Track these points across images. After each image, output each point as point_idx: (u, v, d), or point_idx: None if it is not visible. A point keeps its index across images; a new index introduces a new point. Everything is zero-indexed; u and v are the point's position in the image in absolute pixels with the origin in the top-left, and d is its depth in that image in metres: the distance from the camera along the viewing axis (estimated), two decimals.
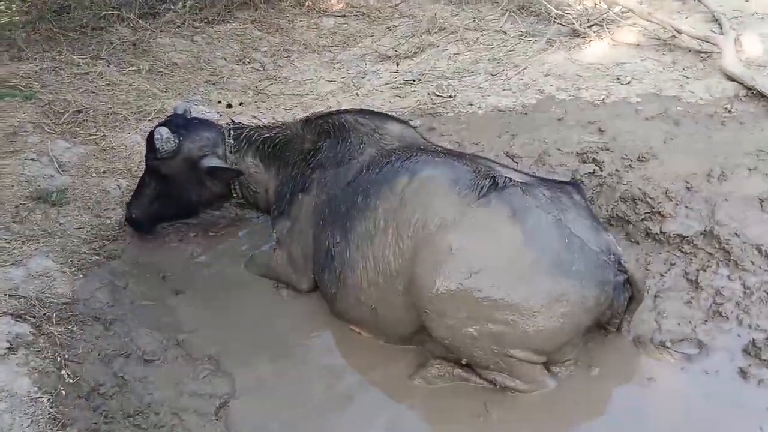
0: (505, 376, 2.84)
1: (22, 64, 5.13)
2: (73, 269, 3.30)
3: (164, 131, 3.40)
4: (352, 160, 3.34)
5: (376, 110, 3.83)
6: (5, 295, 2.88)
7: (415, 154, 3.19)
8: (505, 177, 2.95)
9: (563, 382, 2.89)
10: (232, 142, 3.57)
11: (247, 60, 5.91)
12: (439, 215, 2.85)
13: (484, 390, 2.88)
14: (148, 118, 4.76)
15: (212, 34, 6.24)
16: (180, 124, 3.55)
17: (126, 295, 3.30)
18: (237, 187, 3.62)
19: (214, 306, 3.37)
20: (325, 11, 6.69)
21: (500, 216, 2.80)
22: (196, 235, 3.92)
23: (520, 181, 2.95)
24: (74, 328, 2.83)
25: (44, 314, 2.83)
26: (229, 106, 5.16)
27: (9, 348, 2.53)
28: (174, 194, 3.61)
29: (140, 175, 3.72)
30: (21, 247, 3.33)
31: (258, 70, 5.79)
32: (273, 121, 3.74)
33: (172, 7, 6.45)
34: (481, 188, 2.89)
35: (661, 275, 3.33)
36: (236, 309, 3.35)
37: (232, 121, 3.83)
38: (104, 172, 4.16)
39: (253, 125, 3.78)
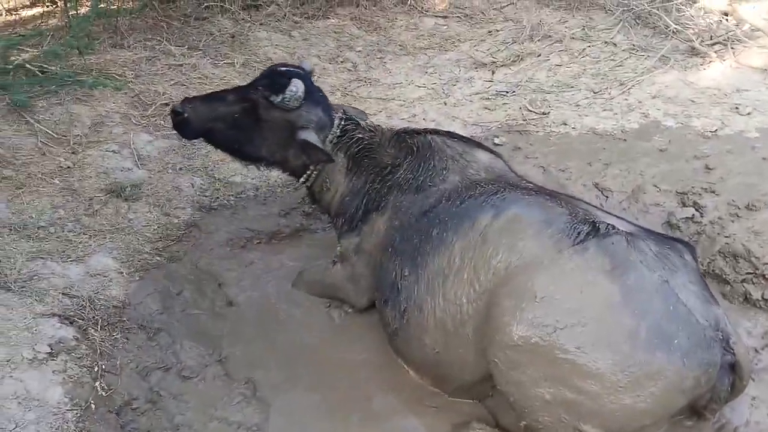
0: None
1: (122, 52, 5.27)
2: (132, 270, 3.32)
3: (300, 86, 3.13)
4: (433, 186, 3.11)
5: (467, 137, 3.56)
6: (60, 293, 2.93)
7: (503, 188, 2.91)
8: (608, 224, 2.62)
9: None
10: (338, 132, 3.35)
11: (341, 59, 5.80)
12: (526, 258, 2.57)
13: None
14: None
15: (310, 30, 6.19)
16: (309, 86, 3.30)
17: (178, 302, 3.28)
18: (315, 174, 3.38)
19: (264, 323, 3.29)
20: (427, 11, 6.46)
21: (598, 267, 2.48)
22: (260, 242, 3.86)
23: (624, 230, 2.61)
24: (118, 336, 2.83)
25: (92, 317, 2.86)
26: None
27: (49, 353, 2.55)
28: (247, 133, 3.26)
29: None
30: (87, 242, 3.40)
31: (349, 70, 5.67)
32: (372, 124, 3.56)
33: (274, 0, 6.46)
34: (578, 233, 2.58)
35: (757, 351, 2.89)
36: (284, 329, 3.26)
37: (344, 111, 3.54)
38: (180, 168, 4.19)
39: (362, 123, 3.52)
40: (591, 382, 2.38)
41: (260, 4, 6.45)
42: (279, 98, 3.13)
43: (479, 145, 3.38)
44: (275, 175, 4.28)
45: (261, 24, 6.20)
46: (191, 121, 3.22)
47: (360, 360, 3.12)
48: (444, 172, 3.14)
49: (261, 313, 3.37)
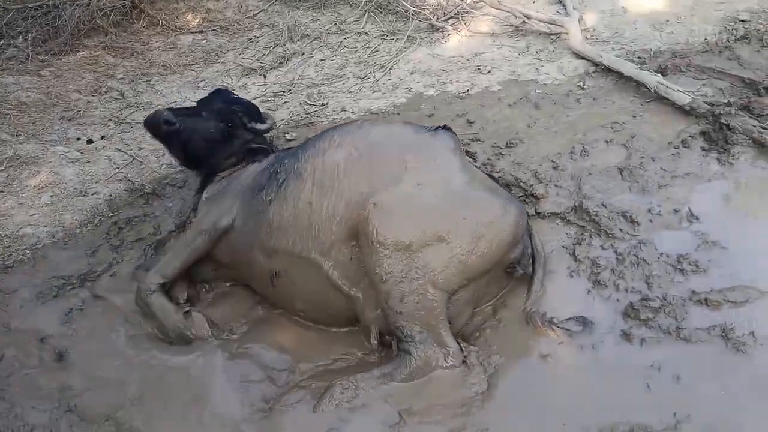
0: (418, 349, 2.88)
1: None
2: None
3: (273, 121, 3.93)
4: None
5: None
6: None
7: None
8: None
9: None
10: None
11: (104, 89, 5.58)
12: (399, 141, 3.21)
13: (395, 400, 2.90)
14: (0, 167, 4.40)
15: (60, 66, 5.85)
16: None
17: (2, 367, 3.04)
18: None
19: (104, 362, 3.17)
20: (182, 29, 6.44)
21: (447, 145, 3.23)
22: (73, 288, 3.67)
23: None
24: None
25: None
26: (90, 141, 4.86)
27: None
28: (214, 145, 3.76)
29: None
30: None
31: (117, 98, 5.49)
32: None
33: (12, 41, 5.97)
34: (429, 128, 3.33)
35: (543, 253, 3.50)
36: (129, 362, 3.18)
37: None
38: None
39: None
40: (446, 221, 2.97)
41: None
42: (257, 126, 3.82)
43: None
44: (69, 217, 4.12)
45: (3, 69, 5.72)
46: (181, 132, 3.74)
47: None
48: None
49: (98, 354, 3.24)
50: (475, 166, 3.94)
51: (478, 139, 4.22)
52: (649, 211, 3.57)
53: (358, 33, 5.94)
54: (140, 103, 5.39)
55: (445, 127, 3.33)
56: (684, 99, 4.15)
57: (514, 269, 3.23)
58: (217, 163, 3.78)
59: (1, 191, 4.28)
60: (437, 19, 5.71)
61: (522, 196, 3.76)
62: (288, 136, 4.60)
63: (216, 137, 3.74)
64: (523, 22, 5.41)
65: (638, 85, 4.47)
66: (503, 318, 3.23)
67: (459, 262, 2.96)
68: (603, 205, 3.64)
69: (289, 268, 3.16)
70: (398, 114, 4.70)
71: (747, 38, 4.78)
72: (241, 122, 3.78)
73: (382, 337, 3.09)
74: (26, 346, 3.24)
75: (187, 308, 3.36)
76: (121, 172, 4.52)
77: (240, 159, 3.76)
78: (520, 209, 3.20)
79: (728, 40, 4.81)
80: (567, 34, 5.14)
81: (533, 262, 3.29)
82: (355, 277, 3.05)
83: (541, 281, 3.28)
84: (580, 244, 3.50)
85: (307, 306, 3.24)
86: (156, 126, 3.79)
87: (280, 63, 5.68)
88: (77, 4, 6.18)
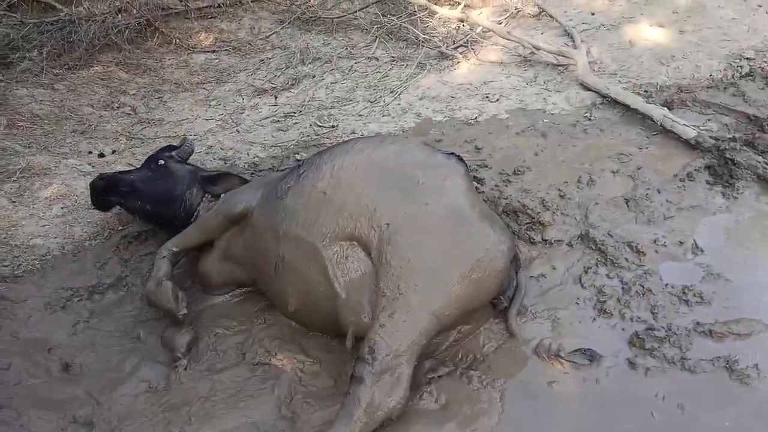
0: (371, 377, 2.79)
1: None
2: None
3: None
4: None
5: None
6: None
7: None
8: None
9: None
10: None
11: (116, 105, 5.66)
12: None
13: None
14: (12, 179, 4.44)
15: (74, 80, 5.93)
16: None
17: (10, 376, 3.05)
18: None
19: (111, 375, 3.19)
20: (195, 47, 6.54)
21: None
22: (80, 300, 3.69)
23: None
24: None
25: None
26: (101, 155, 4.92)
27: None
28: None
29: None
30: None
31: (129, 114, 5.56)
32: None
33: (27, 54, 6.06)
34: None
35: (546, 277, 3.53)
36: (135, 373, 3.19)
37: None
38: None
39: None
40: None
41: (11, 61, 6.03)
42: (182, 150, 4.12)
43: None
44: (79, 230, 4.16)
45: (17, 81, 5.80)
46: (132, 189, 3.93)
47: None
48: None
49: (103, 367, 3.25)
50: (481, 192, 4.03)
51: (486, 166, 4.28)
52: (655, 241, 3.61)
53: (369, 58, 6.04)
54: (152, 119, 5.47)
55: (457, 156, 3.41)
56: (689, 133, 4.22)
57: (499, 300, 3.27)
58: (182, 205, 3.84)
59: (13, 202, 4.32)
60: (447, 46, 5.81)
61: (529, 223, 3.80)
62: (298, 157, 4.65)
63: (156, 177, 3.90)
64: (532, 52, 5.51)
65: (644, 118, 4.54)
66: (505, 344, 3.24)
67: (455, 286, 2.98)
68: (609, 234, 3.68)
69: (294, 255, 3.19)
70: (407, 137, 4.76)
71: (752, 75, 4.88)
72: (167, 156, 3.99)
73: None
74: (33, 356, 3.26)
75: (166, 280, 3.40)
76: None
77: (203, 193, 3.87)
78: (512, 240, 3.32)
79: (733, 77, 4.90)
80: (575, 65, 5.23)
81: (513, 296, 3.31)
82: (346, 276, 3.07)
83: (515, 317, 3.28)
84: (586, 272, 3.53)
85: (300, 302, 3.23)
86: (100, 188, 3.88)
87: (291, 84, 5.77)
88: (93, 20, 6.29)
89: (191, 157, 4.25)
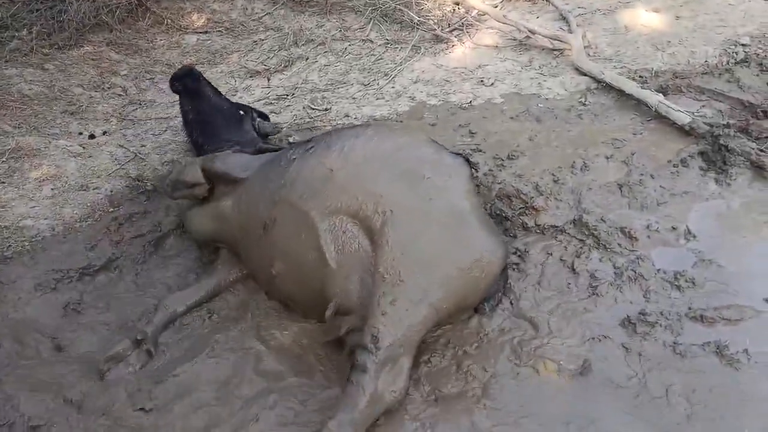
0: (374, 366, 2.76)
1: None
2: None
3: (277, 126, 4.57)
4: None
5: None
6: None
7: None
8: None
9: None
10: None
11: (107, 85, 5.60)
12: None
13: None
14: (2, 160, 4.40)
15: (64, 60, 5.86)
16: None
17: (0, 358, 3.03)
18: None
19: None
20: (186, 28, 6.46)
21: None
22: (71, 281, 3.67)
23: None
24: None
25: None
26: (92, 136, 4.87)
27: None
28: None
29: None
30: None
31: (120, 95, 5.51)
32: None
33: (17, 34, 5.97)
34: None
35: (541, 264, 3.53)
36: None
37: None
38: None
39: None
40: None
41: (0, 41, 5.94)
42: (264, 123, 4.43)
43: None
44: (69, 211, 4.13)
45: (6, 61, 5.72)
46: (200, 95, 4.38)
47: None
48: None
49: (94, 348, 3.24)
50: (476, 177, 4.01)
51: (480, 150, 4.26)
52: (648, 227, 3.62)
53: (363, 40, 5.98)
54: (143, 101, 5.41)
55: (465, 157, 3.43)
56: (684, 119, 4.21)
57: (483, 306, 3.26)
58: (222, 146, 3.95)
59: (2, 183, 4.27)
60: (442, 30, 5.77)
61: (522, 207, 3.79)
62: (291, 139, 4.62)
63: (227, 114, 4.18)
64: (527, 36, 5.47)
65: (639, 104, 4.53)
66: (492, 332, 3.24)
67: (455, 280, 2.98)
68: (602, 219, 3.68)
69: (287, 218, 3.18)
70: (401, 122, 4.74)
71: (747, 62, 4.86)
72: (251, 115, 4.23)
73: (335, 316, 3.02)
74: (24, 338, 3.24)
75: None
76: (123, 168, 4.53)
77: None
78: (507, 250, 3.35)
79: (728, 63, 4.88)
80: (570, 50, 5.20)
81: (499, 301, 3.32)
82: (340, 248, 3.04)
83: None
84: (578, 256, 3.53)
85: (285, 269, 3.19)
86: (181, 78, 4.35)
87: (284, 66, 5.71)
88: (83, 0, 6.20)
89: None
